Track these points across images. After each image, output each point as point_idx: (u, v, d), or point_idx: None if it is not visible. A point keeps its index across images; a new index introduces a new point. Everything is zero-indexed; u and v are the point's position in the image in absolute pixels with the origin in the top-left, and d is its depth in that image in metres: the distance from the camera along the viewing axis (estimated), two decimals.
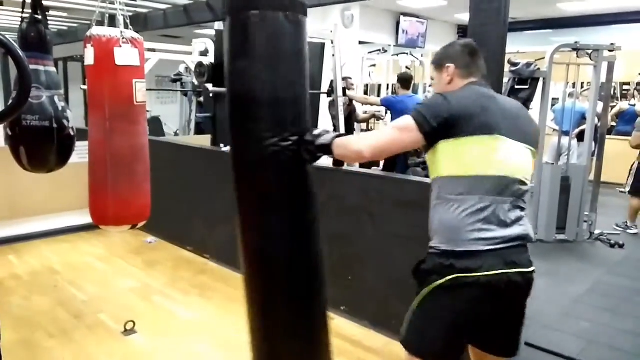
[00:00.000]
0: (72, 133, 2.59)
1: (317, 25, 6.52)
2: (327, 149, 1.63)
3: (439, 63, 1.71)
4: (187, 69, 6.87)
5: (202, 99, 6.78)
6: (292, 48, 1.60)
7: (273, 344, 1.72)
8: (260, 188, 1.64)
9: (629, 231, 5.18)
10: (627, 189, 5.19)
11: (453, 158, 1.49)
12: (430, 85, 5.92)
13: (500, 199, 1.48)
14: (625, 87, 8.12)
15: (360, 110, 6.70)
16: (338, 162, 1.72)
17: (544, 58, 4.79)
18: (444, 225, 1.51)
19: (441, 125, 1.48)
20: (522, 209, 1.54)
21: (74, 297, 3.29)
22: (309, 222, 1.71)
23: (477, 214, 1.46)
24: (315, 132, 1.66)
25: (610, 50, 4.87)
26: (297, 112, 1.65)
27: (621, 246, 4.66)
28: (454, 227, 1.48)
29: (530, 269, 1.50)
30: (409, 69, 8.42)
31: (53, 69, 2.60)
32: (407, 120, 1.54)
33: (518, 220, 1.51)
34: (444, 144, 1.49)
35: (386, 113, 6.61)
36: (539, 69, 4.60)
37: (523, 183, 1.53)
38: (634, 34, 8.60)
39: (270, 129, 1.59)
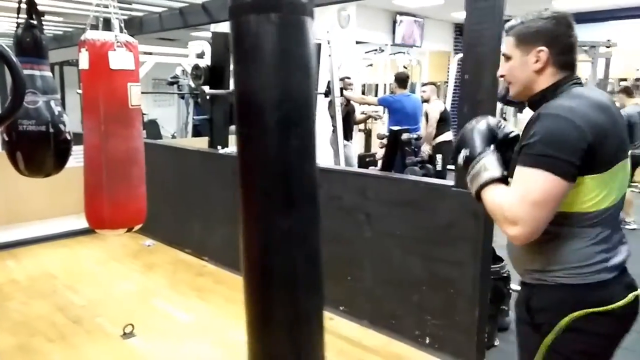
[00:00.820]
0: (68, 137, 2.59)
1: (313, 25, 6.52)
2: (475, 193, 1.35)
3: (526, 41, 1.31)
4: (183, 71, 6.88)
5: (199, 100, 6.78)
6: (288, 49, 1.53)
7: (267, 340, 1.71)
8: (264, 189, 1.63)
9: (627, 227, 5.19)
10: None
11: (593, 194, 1.25)
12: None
13: (615, 221, 1.32)
14: (622, 82, 8.12)
15: (358, 110, 6.71)
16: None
17: None
18: (568, 257, 1.29)
19: (582, 159, 1.19)
20: (620, 222, 1.40)
21: (72, 302, 3.29)
22: (310, 223, 1.69)
23: (601, 244, 1.29)
24: (476, 165, 1.34)
25: (606, 47, 4.88)
26: (297, 114, 1.56)
27: None
28: (581, 258, 1.29)
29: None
30: (406, 68, 8.43)
31: (49, 74, 2.59)
32: (544, 180, 1.19)
33: (623, 237, 1.37)
34: (586, 179, 1.23)
35: (384, 112, 6.62)
36: None
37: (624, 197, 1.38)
38: (631, 30, 8.61)
39: (271, 132, 1.56)
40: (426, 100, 5.60)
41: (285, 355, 1.68)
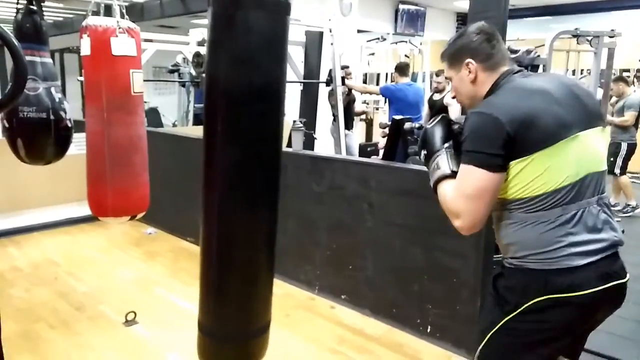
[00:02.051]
0: (69, 124, 2.58)
1: (315, 14, 6.46)
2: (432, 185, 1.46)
3: (454, 59, 1.46)
4: (184, 59, 6.83)
5: (200, 89, 6.74)
6: (220, 41, 1.61)
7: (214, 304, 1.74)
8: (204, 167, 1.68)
9: (630, 212, 5.25)
10: (617, 170, 5.29)
11: (522, 180, 1.28)
12: (434, 76, 5.86)
13: (585, 201, 1.30)
14: (625, 73, 8.07)
15: (360, 99, 6.68)
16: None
17: (543, 45, 4.75)
18: (529, 241, 1.32)
19: (506, 149, 1.26)
20: (608, 206, 1.37)
21: (74, 289, 3.30)
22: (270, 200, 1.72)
23: (563, 226, 1.28)
24: (432, 163, 1.45)
25: (610, 37, 4.83)
26: (263, 108, 1.63)
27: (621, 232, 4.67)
28: (543, 243, 1.30)
29: (625, 279, 1.35)
30: (408, 57, 8.38)
31: (49, 60, 2.57)
32: (473, 174, 1.28)
33: (607, 223, 1.34)
34: (519, 164, 1.27)
35: (385, 102, 6.58)
36: (539, 56, 4.56)
37: (602, 173, 1.36)
38: (635, 20, 8.54)
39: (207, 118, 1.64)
40: (440, 91, 5.52)
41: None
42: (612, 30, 4.88)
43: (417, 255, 2.68)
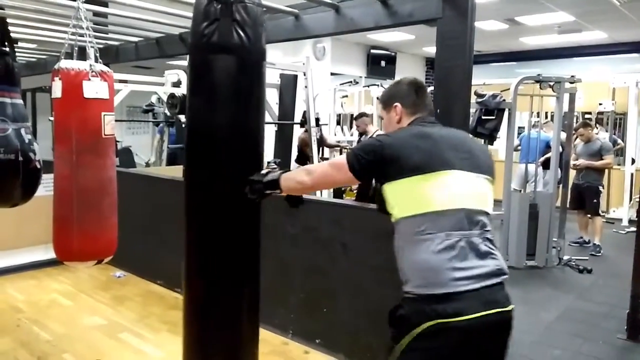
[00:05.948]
0: (38, 166, 2.53)
1: (290, 57, 6.61)
2: (275, 184, 1.78)
3: (386, 102, 1.77)
4: (159, 99, 6.85)
5: (173, 129, 6.74)
6: (240, 88, 1.80)
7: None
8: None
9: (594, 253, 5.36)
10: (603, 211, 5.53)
11: (402, 198, 1.50)
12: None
13: (467, 232, 1.44)
14: (587, 116, 8.43)
15: (333, 140, 6.81)
16: (292, 200, 1.93)
17: (509, 89, 4.96)
18: (417, 267, 1.46)
19: (371, 164, 1.54)
20: (491, 241, 1.50)
21: (37, 337, 3.15)
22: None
23: (449, 251, 1.41)
24: (262, 172, 1.83)
25: (571, 82, 5.07)
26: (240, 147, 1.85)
27: (589, 271, 4.77)
28: (429, 268, 1.43)
29: (509, 307, 1.46)
30: (379, 99, 8.59)
31: (20, 102, 2.55)
32: (341, 159, 1.64)
33: (490, 253, 1.46)
34: (389, 185, 1.52)
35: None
36: (504, 100, 4.75)
37: (485, 213, 1.51)
38: (594, 67, 9.02)
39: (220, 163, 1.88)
40: (363, 133, 5.48)
41: None
42: (572, 76, 5.14)
43: (392, 297, 2.64)
